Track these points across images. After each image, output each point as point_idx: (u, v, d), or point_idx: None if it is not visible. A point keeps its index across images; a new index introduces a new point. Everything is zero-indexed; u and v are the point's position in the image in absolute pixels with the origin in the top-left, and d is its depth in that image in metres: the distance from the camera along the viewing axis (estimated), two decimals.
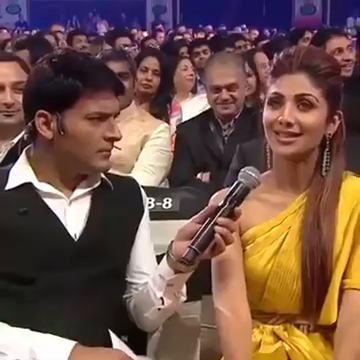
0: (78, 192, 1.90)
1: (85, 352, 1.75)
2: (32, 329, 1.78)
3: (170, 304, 1.89)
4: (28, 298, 1.81)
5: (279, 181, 1.96)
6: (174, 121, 4.47)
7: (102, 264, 1.87)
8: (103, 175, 1.94)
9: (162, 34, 12.23)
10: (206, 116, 3.75)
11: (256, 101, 4.16)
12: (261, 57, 4.82)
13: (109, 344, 1.83)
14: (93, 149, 1.84)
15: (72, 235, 1.86)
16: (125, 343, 1.91)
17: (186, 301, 2.05)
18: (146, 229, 2.02)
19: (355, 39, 8.21)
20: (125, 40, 5.99)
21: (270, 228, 1.92)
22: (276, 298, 1.89)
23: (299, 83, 1.85)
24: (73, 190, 1.91)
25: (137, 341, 2.05)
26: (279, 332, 1.90)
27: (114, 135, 1.86)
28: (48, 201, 1.87)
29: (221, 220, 1.73)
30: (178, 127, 3.93)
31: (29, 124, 1.85)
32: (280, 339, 1.89)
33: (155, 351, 2.11)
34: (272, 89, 1.87)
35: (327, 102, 1.86)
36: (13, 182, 1.87)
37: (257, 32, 11.59)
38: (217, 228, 1.73)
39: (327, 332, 1.91)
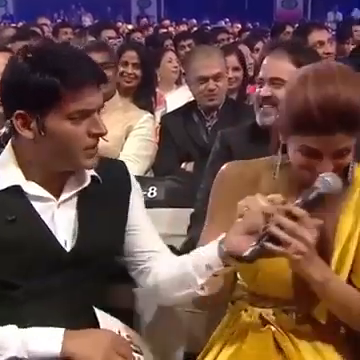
0: (67, 194, 1.81)
1: (76, 336, 1.73)
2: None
3: (210, 291, 1.78)
4: (15, 301, 1.77)
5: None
6: (159, 114, 4.45)
7: (92, 266, 1.82)
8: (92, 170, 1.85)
9: (146, 27, 12.18)
10: (190, 107, 3.75)
11: (241, 94, 4.18)
12: (243, 49, 4.85)
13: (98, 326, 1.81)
14: (78, 148, 1.73)
15: (62, 242, 1.79)
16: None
17: None
18: (139, 209, 1.95)
19: (335, 33, 8.27)
20: (110, 32, 5.99)
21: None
22: (269, 281, 1.85)
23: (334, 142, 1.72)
24: (61, 188, 1.82)
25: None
26: (267, 316, 1.88)
27: (99, 131, 1.75)
28: (37, 205, 1.78)
29: (278, 218, 1.65)
30: (162, 118, 3.92)
31: (8, 121, 1.75)
32: (268, 323, 1.87)
33: (141, 332, 2.10)
34: (300, 142, 1.73)
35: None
36: (0, 183, 1.78)
37: (239, 25, 11.60)
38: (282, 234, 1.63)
39: (313, 324, 1.89)
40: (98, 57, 3.33)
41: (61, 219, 1.81)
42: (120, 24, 13.51)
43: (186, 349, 2.08)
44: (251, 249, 1.62)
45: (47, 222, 1.79)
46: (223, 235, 1.72)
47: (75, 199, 1.83)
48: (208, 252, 1.74)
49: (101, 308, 1.86)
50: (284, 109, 1.76)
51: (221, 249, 1.70)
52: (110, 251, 1.89)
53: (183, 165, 3.63)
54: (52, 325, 1.74)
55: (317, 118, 1.65)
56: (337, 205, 1.84)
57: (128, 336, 1.84)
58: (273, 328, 1.85)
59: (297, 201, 1.67)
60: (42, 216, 1.78)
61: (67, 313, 1.77)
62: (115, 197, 1.88)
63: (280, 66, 2.50)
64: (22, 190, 1.77)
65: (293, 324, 1.87)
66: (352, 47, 6.72)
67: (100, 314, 1.81)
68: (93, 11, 20.16)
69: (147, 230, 1.95)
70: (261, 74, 2.57)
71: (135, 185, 1.95)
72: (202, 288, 1.77)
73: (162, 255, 1.93)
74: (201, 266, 1.75)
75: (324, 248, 1.78)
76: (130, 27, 12.69)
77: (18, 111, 1.70)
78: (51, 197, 1.80)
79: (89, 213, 1.83)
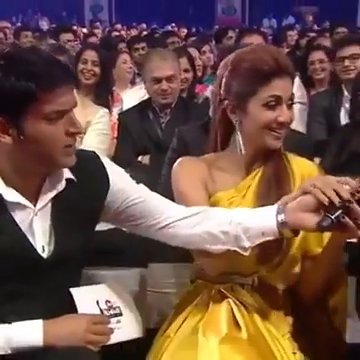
0: (43, 201, 1.73)
1: (55, 324, 1.71)
2: None
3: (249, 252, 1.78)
4: (3, 306, 1.71)
5: (238, 160, 1.96)
6: (116, 111, 4.46)
7: (69, 266, 1.78)
8: (67, 170, 1.76)
9: (99, 30, 12.09)
10: (145, 105, 3.76)
11: (190, 93, 4.21)
12: (193, 52, 4.85)
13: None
14: (58, 147, 1.65)
15: (39, 249, 1.73)
16: None
17: (136, 267, 2.09)
18: (128, 185, 1.86)
19: (271, 38, 8.37)
20: (68, 36, 5.94)
21: (231, 196, 1.92)
22: (231, 259, 1.85)
23: (290, 85, 1.89)
24: (38, 193, 1.73)
25: None
26: (226, 291, 1.91)
27: (76, 130, 1.68)
28: (15, 214, 1.70)
29: None
30: (120, 115, 3.92)
31: None
32: (226, 297, 1.90)
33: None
34: (267, 92, 1.86)
35: None
36: None
37: (185, 30, 11.61)
38: (356, 207, 1.62)
39: (268, 289, 1.94)
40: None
41: (38, 226, 1.74)
42: (75, 28, 13.34)
43: (153, 326, 2.08)
44: (329, 222, 1.61)
45: (25, 230, 1.72)
46: (276, 207, 1.72)
47: (50, 204, 1.75)
48: (263, 221, 1.72)
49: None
50: (244, 76, 1.87)
51: (278, 220, 1.69)
52: (86, 248, 1.83)
53: (140, 158, 3.65)
54: (39, 313, 1.71)
55: (276, 63, 1.85)
56: None
57: (107, 301, 1.81)
58: (231, 301, 1.88)
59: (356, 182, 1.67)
60: (20, 225, 1.71)
61: (47, 309, 1.73)
62: (89, 197, 1.79)
63: None
64: (2, 198, 1.69)
65: (248, 297, 1.91)
66: (287, 50, 6.83)
67: (77, 296, 1.78)
68: (49, 15, 19.88)
69: (151, 199, 1.86)
70: None
71: (113, 171, 1.85)
72: (246, 250, 1.76)
73: (183, 213, 1.84)
74: (253, 231, 1.73)
75: None
76: (85, 30, 12.54)
77: None
78: (29, 205, 1.72)
79: (64, 217, 1.76)
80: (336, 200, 1.62)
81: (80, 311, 1.77)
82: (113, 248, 2.20)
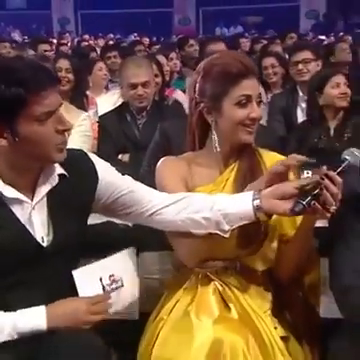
0: (39, 195, 1.72)
1: (56, 308, 1.68)
2: None
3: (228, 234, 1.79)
4: (5, 292, 1.69)
5: (215, 156, 1.96)
6: (91, 113, 4.40)
7: (67, 254, 1.75)
8: (59, 166, 1.76)
9: (65, 40, 11.97)
10: (123, 108, 3.74)
11: (161, 96, 4.20)
12: (161, 59, 4.84)
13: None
14: (50, 145, 1.64)
15: (39, 239, 1.72)
16: None
17: None
18: (115, 177, 1.85)
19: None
20: (46, 46, 5.88)
21: (210, 190, 1.92)
22: (214, 247, 1.87)
23: (257, 85, 1.91)
24: (33, 188, 1.72)
25: None
26: (212, 275, 1.91)
27: (65, 127, 1.67)
28: (15, 208, 1.69)
29: (327, 183, 1.64)
30: (100, 118, 3.88)
31: None
32: (212, 280, 1.90)
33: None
34: (238, 92, 1.87)
35: None
36: None
37: (147, 39, 11.57)
38: (324, 192, 1.64)
39: (249, 271, 1.94)
40: None
41: (37, 219, 1.73)
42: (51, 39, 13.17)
43: (145, 310, 2.05)
44: (300, 207, 1.63)
45: (25, 223, 1.71)
46: (252, 194, 1.73)
47: (46, 198, 1.74)
48: (241, 206, 1.74)
49: (72, 280, 1.79)
50: (216, 80, 1.88)
51: (254, 205, 1.71)
52: (81, 236, 1.81)
53: (120, 156, 3.62)
54: (39, 298, 1.69)
55: (243, 65, 1.86)
56: None
57: (111, 276, 1.78)
58: (217, 284, 1.88)
59: (322, 172, 1.69)
60: (20, 219, 1.70)
61: (48, 295, 1.71)
62: (81, 190, 1.79)
63: None
64: (2, 195, 1.68)
65: (232, 279, 1.91)
66: None
67: (78, 278, 1.74)
68: (20, 28, 19.58)
69: (137, 189, 1.86)
70: None
71: (100, 166, 1.85)
72: (226, 232, 1.77)
73: (167, 200, 1.84)
74: (232, 216, 1.75)
75: None
76: (54, 41, 12.37)
77: None
78: (27, 200, 1.71)
79: (59, 209, 1.75)
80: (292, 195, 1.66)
81: (81, 294, 1.73)
82: (107, 240, 2.17)
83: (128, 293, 1.83)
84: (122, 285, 1.79)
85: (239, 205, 1.75)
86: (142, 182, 1.92)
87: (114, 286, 1.77)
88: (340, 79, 3.47)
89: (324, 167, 1.70)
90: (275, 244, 1.93)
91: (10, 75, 1.59)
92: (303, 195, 1.65)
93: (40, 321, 1.66)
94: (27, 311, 1.67)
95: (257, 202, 1.71)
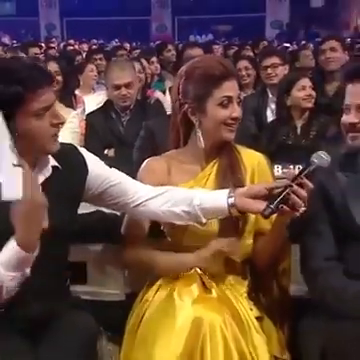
0: None
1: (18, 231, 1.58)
2: None
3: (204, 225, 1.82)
4: None
5: (195, 153, 1.94)
6: (79, 111, 4.37)
7: (59, 237, 1.73)
8: (52, 159, 1.75)
9: (53, 44, 11.85)
10: (108, 107, 3.71)
11: (143, 95, 4.17)
12: (144, 63, 4.84)
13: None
14: (46, 137, 1.66)
15: None
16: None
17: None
18: (102, 169, 1.85)
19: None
20: (36, 50, 5.82)
21: (190, 186, 1.91)
22: (194, 236, 1.87)
23: (236, 86, 1.88)
24: None
25: (78, 273, 2.03)
26: None
27: (60, 121, 1.67)
28: None
29: (295, 188, 1.64)
30: (87, 116, 3.85)
31: None
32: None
33: (93, 279, 2.09)
34: (220, 93, 1.84)
35: None
36: None
37: (128, 44, 11.50)
38: (292, 195, 1.64)
39: (228, 260, 1.92)
40: None
41: None
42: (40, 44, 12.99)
43: (133, 290, 2.03)
44: (269, 210, 1.65)
45: None
46: (227, 192, 1.75)
47: (40, 188, 1.73)
48: (216, 202, 1.76)
49: (64, 263, 1.80)
50: (199, 82, 1.85)
51: (228, 202, 1.73)
52: (72, 224, 1.80)
53: (106, 151, 3.60)
54: (33, 280, 1.64)
55: (224, 68, 1.84)
56: None
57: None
58: (199, 271, 1.86)
59: (293, 174, 1.69)
60: None
61: (41, 276, 1.67)
62: (72, 181, 1.78)
63: None
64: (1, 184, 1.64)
65: (213, 266, 1.88)
66: None
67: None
68: (10, 33, 19.31)
69: (124, 181, 1.86)
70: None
71: (90, 159, 1.84)
72: (202, 224, 1.79)
73: (151, 193, 1.85)
74: (208, 211, 1.77)
75: None
76: (43, 45, 12.22)
77: None
78: None
79: (53, 198, 1.69)
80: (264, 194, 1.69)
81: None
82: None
83: None
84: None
85: (215, 201, 1.77)
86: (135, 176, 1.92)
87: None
88: (306, 82, 3.49)
89: (296, 169, 1.71)
90: (251, 238, 1.93)
91: (9, 75, 1.59)
92: (273, 197, 1.67)
93: (13, 244, 1.57)
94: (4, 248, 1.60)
95: (231, 200, 1.74)
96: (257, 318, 1.85)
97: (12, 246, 1.56)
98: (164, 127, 2.13)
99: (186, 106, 1.88)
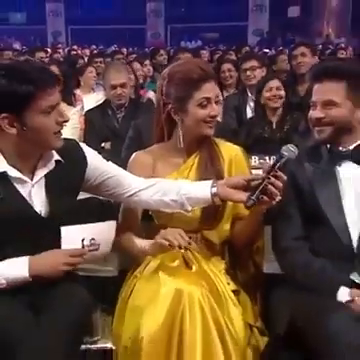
0: (38, 176, 1.70)
1: (38, 259, 1.65)
2: None
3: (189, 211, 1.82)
4: (6, 257, 1.65)
5: (178, 147, 1.92)
6: (79, 108, 4.34)
7: (59, 225, 1.70)
8: (56, 154, 1.72)
9: (60, 50, 11.76)
10: (105, 105, 3.70)
11: (136, 95, 4.15)
12: (136, 65, 4.83)
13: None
14: (51, 134, 1.63)
15: (38, 212, 1.69)
16: None
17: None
18: (100, 163, 1.84)
19: None
20: (41, 54, 5.75)
21: (174, 178, 1.90)
22: (179, 219, 1.87)
23: (215, 87, 1.86)
24: (34, 171, 1.70)
25: None
26: None
27: (64, 119, 1.65)
28: (18, 186, 1.67)
29: (272, 180, 1.64)
30: (86, 113, 3.83)
31: None
32: None
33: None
34: (200, 95, 1.82)
35: None
36: None
37: (125, 49, 11.44)
38: (269, 186, 1.64)
39: (208, 242, 1.94)
40: None
41: (36, 195, 1.70)
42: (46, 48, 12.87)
43: (124, 268, 2.02)
44: (251, 202, 1.65)
45: (26, 198, 1.68)
46: (210, 182, 1.76)
47: (44, 179, 1.72)
48: (201, 192, 1.77)
49: None
50: (179, 85, 1.82)
51: (211, 192, 1.74)
52: (72, 210, 1.77)
53: (103, 144, 3.59)
54: None
55: (202, 71, 1.81)
56: None
57: (92, 239, 1.72)
58: (182, 250, 1.83)
59: (269, 165, 1.69)
60: (23, 195, 1.68)
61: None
62: (73, 173, 1.77)
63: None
64: (7, 175, 1.65)
65: (194, 246, 1.88)
66: None
67: (65, 233, 1.68)
68: (20, 40, 19.16)
69: (120, 174, 1.85)
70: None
71: (89, 153, 1.83)
72: (188, 211, 1.81)
73: (143, 185, 1.84)
74: (193, 200, 1.78)
75: None
76: (49, 50, 12.11)
77: (3, 114, 1.59)
78: (27, 180, 1.69)
79: (54, 188, 1.73)
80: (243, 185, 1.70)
81: (63, 247, 1.68)
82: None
83: (100, 256, 1.79)
84: (97, 249, 1.73)
85: (200, 191, 1.78)
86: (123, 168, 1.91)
87: (92, 248, 1.72)
88: (273, 84, 3.45)
89: (270, 163, 1.71)
90: (229, 224, 1.93)
91: (21, 75, 1.57)
92: (253, 189, 1.67)
93: (23, 269, 1.62)
94: (13, 260, 1.64)
95: (214, 189, 1.75)
96: (234, 291, 1.85)
97: (23, 270, 1.62)
98: (150, 126, 2.11)
99: (169, 106, 1.86)
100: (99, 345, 1.77)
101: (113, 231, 1.75)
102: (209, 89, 1.83)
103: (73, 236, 1.70)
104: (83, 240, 1.71)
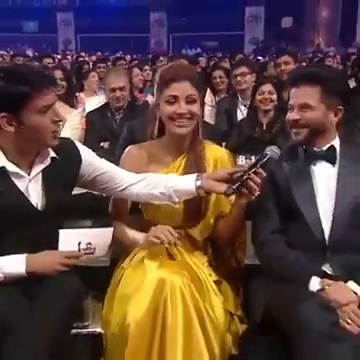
0: (35, 171, 1.69)
1: (35, 258, 1.64)
2: None
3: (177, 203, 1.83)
4: (4, 249, 1.65)
5: (169, 145, 1.92)
6: (80, 110, 4.32)
7: (54, 218, 1.71)
8: (52, 151, 1.71)
9: (69, 56, 11.80)
10: (105, 107, 3.69)
11: (133, 98, 4.14)
12: (136, 70, 4.82)
13: None
14: (47, 132, 1.62)
15: (35, 205, 1.69)
16: None
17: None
18: (94, 160, 1.83)
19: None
20: (49, 60, 5.70)
21: (164, 173, 1.89)
22: (165, 214, 1.87)
23: (187, 87, 1.81)
24: (31, 167, 1.69)
25: None
26: None
27: (59, 118, 1.65)
28: (15, 181, 1.66)
29: (252, 176, 1.66)
30: (87, 114, 3.81)
31: None
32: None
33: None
34: (167, 93, 1.80)
35: (200, 98, 1.85)
36: None
37: (129, 56, 11.44)
38: (249, 181, 1.66)
39: (191, 239, 1.93)
40: None
41: (33, 190, 1.70)
42: (53, 55, 12.88)
43: (115, 257, 2.01)
44: (231, 190, 1.67)
45: (24, 192, 1.68)
46: (195, 176, 1.77)
47: (40, 174, 1.72)
48: (186, 185, 1.77)
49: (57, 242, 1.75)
50: (157, 84, 1.86)
51: (196, 184, 1.75)
52: (67, 205, 1.78)
53: (102, 144, 3.57)
54: (35, 249, 1.66)
55: (175, 72, 1.81)
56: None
57: (88, 243, 1.71)
58: (166, 244, 1.83)
59: (250, 163, 1.72)
60: (20, 189, 1.67)
61: (38, 249, 1.68)
62: (68, 169, 1.76)
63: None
64: (6, 169, 1.65)
65: (179, 242, 1.86)
66: (199, 70, 6.79)
67: (63, 236, 1.67)
68: (33, 47, 19.16)
69: (113, 170, 1.86)
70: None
71: (84, 151, 1.82)
72: (175, 203, 1.81)
73: (134, 180, 1.84)
74: (180, 192, 1.79)
75: None
76: (59, 57, 12.11)
77: (2, 114, 1.59)
78: (25, 175, 1.68)
79: (50, 183, 1.72)
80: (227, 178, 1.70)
81: (60, 248, 1.67)
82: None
83: (94, 259, 1.77)
84: (93, 253, 1.72)
85: (185, 184, 1.78)
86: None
87: (87, 251, 1.71)
88: (266, 88, 3.44)
89: (252, 160, 1.71)
90: (212, 221, 1.93)
91: (18, 77, 1.58)
92: (234, 181, 1.68)
93: (20, 266, 1.62)
94: (12, 257, 1.63)
95: (198, 182, 1.76)
96: (215, 282, 1.85)
97: (20, 267, 1.61)
98: (143, 127, 2.11)
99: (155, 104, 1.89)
100: (89, 329, 1.77)
101: (110, 237, 1.73)
102: (177, 88, 1.80)
103: (70, 239, 1.69)
104: (79, 243, 1.70)
